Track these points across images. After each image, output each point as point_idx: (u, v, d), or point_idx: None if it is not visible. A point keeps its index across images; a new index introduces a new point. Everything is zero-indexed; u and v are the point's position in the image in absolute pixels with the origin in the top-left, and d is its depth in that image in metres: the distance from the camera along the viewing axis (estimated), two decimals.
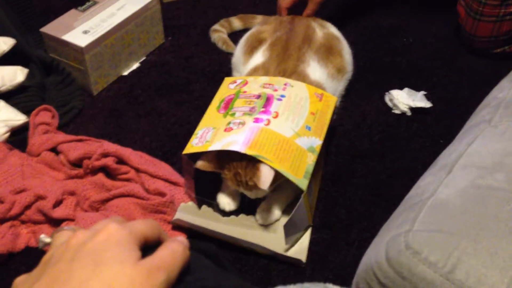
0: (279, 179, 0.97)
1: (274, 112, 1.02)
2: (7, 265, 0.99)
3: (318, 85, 1.16)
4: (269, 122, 0.99)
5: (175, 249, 0.49)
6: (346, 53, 1.29)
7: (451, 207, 0.60)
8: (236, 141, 0.95)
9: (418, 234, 0.58)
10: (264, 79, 1.12)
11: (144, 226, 0.50)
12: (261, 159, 0.92)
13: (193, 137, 1.01)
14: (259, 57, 1.22)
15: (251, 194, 1.00)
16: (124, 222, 0.51)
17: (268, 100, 1.05)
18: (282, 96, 1.06)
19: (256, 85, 1.10)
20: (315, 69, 1.19)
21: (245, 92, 1.08)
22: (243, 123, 0.99)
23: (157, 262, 0.47)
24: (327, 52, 1.24)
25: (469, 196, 0.60)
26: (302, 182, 0.94)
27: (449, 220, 0.59)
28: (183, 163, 1.02)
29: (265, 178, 0.93)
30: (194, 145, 0.98)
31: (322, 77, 1.19)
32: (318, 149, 1.00)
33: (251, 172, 0.95)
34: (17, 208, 1.01)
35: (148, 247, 0.49)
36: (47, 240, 0.52)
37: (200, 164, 0.97)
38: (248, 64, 1.24)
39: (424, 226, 0.59)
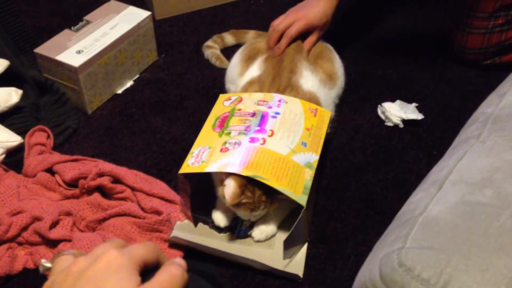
0: (256, 199, 0.97)
1: (270, 130, 1.03)
2: (5, 287, 1.00)
3: (311, 95, 1.17)
4: (264, 141, 1.00)
5: (173, 273, 0.49)
6: (336, 61, 1.30)
7: (442, 223, 0.61)
8: (233, 162, 0.96)
9: (411, 251, 0.59)
10: (259, 95, 1.13)
11: (143, 250, 0.51)
12: (258, 179, 0.93)
13: (189, 156, 1.01)
14: (255, 70, 1.23)
15: (249, 216, 1.00)
16: (123, 245, 0.52)
17: (263, 118, 1.06)
18: (277, 113, 1.07)
19: (251, 102, 1.11)
20: (307, 79, 1.20)
21: (240, 110, 1.09)
22: (238, 143, 1.00)
23: (156, 287, 0.47)
24: (317, 57, 1.26)
25: (459, 212, 0.61)
26: (302, 198, 0.94)
27: (440, 236, 0.60)
28: (179, 182, 1.03)
29: (227, 193, 0.94)
30: (190, 164, 0.99)
31: (315, 85, 1.20)
32: (315, 164, 1.02)
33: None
34: (14, 230, 1.02)
35: (147, 270, 0.50)
36: (48, 265, 0.53)
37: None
38: (244, 75, 1.24)
39: (416, 243, 0.60)
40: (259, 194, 0.95)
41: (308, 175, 0.99)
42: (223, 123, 1.07)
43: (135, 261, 0.49)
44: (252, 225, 1.04)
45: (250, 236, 1.04)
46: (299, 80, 1.19)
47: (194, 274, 0.55)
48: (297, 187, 0.95)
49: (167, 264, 0.51)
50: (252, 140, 1.01)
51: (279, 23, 1.28)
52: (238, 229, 1.04)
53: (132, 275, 0.47)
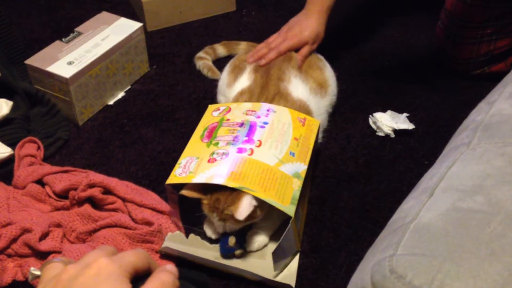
0: (257, 216, 0.97)
1: (258, 140, 1.03)
2: None
3: (301, 103, 1.17)
4: (252, 151, 1.00)
5: (164, 280, 0.49)
6: (326, 69, 1.32)
7: (433, 230, 0.61)
8: (219, 173, 0.95)
9: (402, 258, 0.59)
10: (247, 105, 1.13)
11: (133, 257, 0.50)
12: (245, 190, 0.93)
13: (176, 166, 1.01)
14: (245, 80, 1.24)
15: (223, 226, 0.99)
16: (114, 253, 0.51)
17: (251, 128, 1.05)
18: (265, 123, 1.07)
19: (239, 112, 1.11)
20: (296, 86, 1.20)
21: (228, 120, 1.09)
22: (226, 154, 0.99)
23: None
24: (307, 67, 1.27)
25: (450, 219, 0.61)
26: (289, 209, 0.94)
27: (431, 243, 0.59)
28: (167, 193, 1.03)
29: (243, 209, 0.92)
30: (178, 175, 0.99)
31: (305, 93, 1.21)
32: (303, 175, 1.01)
33: (231, 200, 0.94)
34: (3, 241, 1.01)
35: (138, 277, 0.50)
36: (37, 273, 0.52)
37: (186, 192, 0.97)
38: (234, 87, 1.25)
39: (407, 250, 0.60)
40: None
41: (296, 185, 0.98)
42: (211, 133, 1.06)
43: (126, 269, 0.48)
44: (237, 246, 1.02)
45: (235, 256, 1.02)
46: (288, 87, 1.19)
47: (187, 282, 0.55)
48: (284, 197, 0.95)
49: (158, 271, 0.50)
50: (240, 150, 1.00)
51: (272, 41, 1.31)
52: (223, 247, 1.02)
53: (123, 282, 0.47)
